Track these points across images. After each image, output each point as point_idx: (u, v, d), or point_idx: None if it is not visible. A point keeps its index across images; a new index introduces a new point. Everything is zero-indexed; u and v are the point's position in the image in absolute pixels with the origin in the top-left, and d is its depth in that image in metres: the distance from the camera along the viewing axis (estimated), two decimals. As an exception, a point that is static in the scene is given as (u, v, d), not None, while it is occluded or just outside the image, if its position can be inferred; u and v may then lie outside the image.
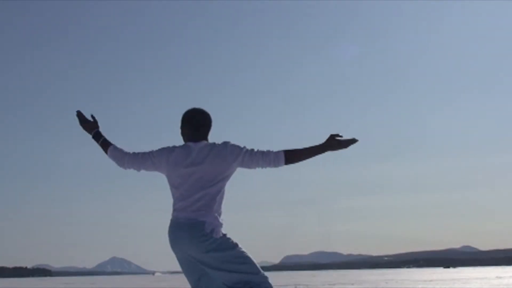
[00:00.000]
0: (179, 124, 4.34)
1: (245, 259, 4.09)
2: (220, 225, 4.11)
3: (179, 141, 4.30)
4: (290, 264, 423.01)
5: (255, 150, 4.17)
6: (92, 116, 4.49)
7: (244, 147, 4.17)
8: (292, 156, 4.15)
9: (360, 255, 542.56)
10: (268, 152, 4.14)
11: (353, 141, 4.19)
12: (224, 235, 4.10)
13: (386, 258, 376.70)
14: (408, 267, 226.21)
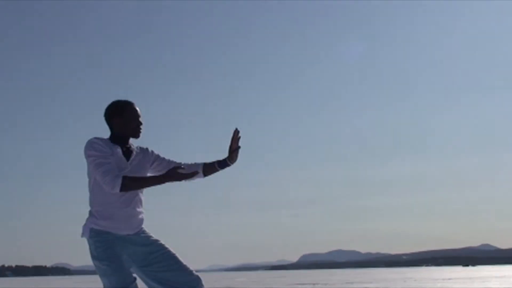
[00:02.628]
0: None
1: None
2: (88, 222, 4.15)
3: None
4: (308, 263, 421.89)
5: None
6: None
7: None
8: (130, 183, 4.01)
9: (378, 253, 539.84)
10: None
11: (234, 139, 4.24)
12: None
13: (404, 257, 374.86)
14: (427, 265, 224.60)
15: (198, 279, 4.14)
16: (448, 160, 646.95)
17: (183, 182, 4.12)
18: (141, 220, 4.23)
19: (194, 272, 4.17)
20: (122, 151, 4.15)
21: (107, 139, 4.18)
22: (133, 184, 4.00)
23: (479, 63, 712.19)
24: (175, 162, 4.33)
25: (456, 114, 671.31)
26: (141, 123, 4.22)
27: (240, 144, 4.28)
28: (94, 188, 4.12)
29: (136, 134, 4.21)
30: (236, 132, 4.24)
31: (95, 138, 4.12)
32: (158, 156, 4.33)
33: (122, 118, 4.16)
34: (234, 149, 4.28)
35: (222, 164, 4.34)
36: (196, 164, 4.36)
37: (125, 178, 3.96)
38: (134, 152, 4.21)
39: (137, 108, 4.23)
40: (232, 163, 4.33)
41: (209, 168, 4.37)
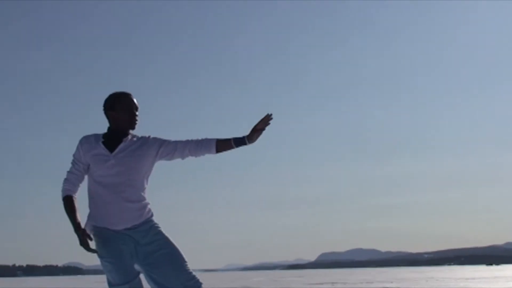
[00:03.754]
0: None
1: None
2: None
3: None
4: (327, 262, 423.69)
5: None
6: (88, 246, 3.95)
7: None
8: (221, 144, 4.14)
9: (399, 252, 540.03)
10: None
11: (264, 121, 4.10)
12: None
13: (426, 255, 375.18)
14: (449, 264, 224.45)
15: (197, 284, 4.00)
16: (473, 157, 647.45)
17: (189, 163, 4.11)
18: (139, 213, 4.08)
19: (194, 275, 4.03)
20: (112, 143, 4.08)
21: (102, 133, 4.16)
22: (64, 207, 4.06)
23: (485, 61, 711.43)
24: (182, 142, 4.18)
25: (475, 110, 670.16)
26: (134, 115, 4.15)
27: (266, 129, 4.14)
28: (88, 186, 4.14)
29: (130, 126, 4.15)
30: (268, 115, 4.08)
31: (84, 137, 4.15)
32: (162, 140, 4.19)
33: (115, 111, 4.14)
34: (258, 129, 4.10)
35: (239, 142, 4.14)
36: (207, 140, 4.17)
37: (65, 197, 4.07)
38: (122, 144, 4.08)
39: (131, 99, 4.17)
40: (251, 142, 4.13)
41: (224, 145, 4.17)
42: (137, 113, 4.17)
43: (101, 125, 4.22)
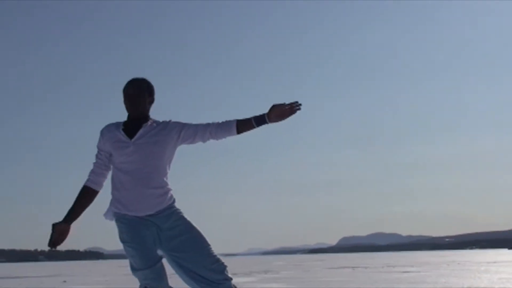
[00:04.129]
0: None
1: None
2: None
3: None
4: (348, 246, 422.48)
5: None
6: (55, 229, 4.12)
7: None
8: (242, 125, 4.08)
9: (420, 236, 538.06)
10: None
11: (291, 111, 4.03)
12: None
13: (447, 239, 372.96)
14: (471, 248, 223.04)
15: (222, 266, 3.98)
16: (493, 140, 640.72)
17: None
18: (161, 199, 4.05)
19: (219, 258, 4.01)
20: (132, 130, 4.08)
21: (123, 121, 4.16)
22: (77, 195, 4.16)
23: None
24: (202, 125, 4.12)
25: (500, 93, 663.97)
26: (130, 99, 4.11)
27: (288, 117, 4.08)
28: (111, 172, 4.14)
29: (129, 111, 4.13)
30: (297, 104, 4.03)
31: (106, 126, 4.17)
32: (183, 124, 4.15)
33: (123, 99, 4.17)
34: (282, 108, 4.02)
35: (259, 121, 4.05)
36: (227, 121, 4.10)
37: (83, 187, 4.14)
38: (142, 130, 4.06)
39: (127, 84, 4.14)
40: (271, 122, 4.05)
41: (244, 125, 4.09)
42: (135, 97, 4.09)
43: (124, 112, 4.20)
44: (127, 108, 4.11)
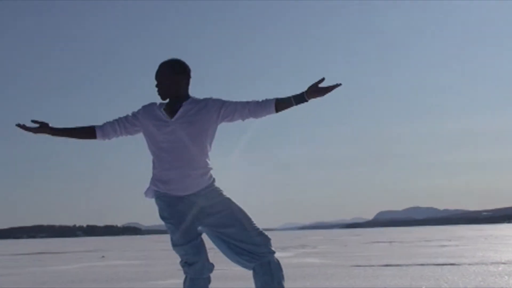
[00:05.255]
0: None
1: None
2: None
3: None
4: (384, 220, 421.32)
5: None
6: (34, 121, 4.18)
7: None
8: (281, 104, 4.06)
9: (457, 210, 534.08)
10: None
11: (332, 87, 4.00)
12: None
13: (484, 213, 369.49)
14: (508, 222, 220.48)
15: (266, 239, 4.00)
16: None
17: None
18: (201, 179, 4.08)
19: (262, 232, 4.05)
20: (173, 109, 4.10)
21: (166, 101, 4.17)
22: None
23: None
24: (242, 102, 4.12)
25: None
26: (157, 83, 4.17)
27: (325, 96, 4.06)
28: (150, 152, 4.17)
29: (161, 97, 4.17)
30: (338, 85, 4.01)
31: (149, 103, 4.20)
32: (223, 102, 4.14)
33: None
34: (322, 87, 3.99)
35: (299, 99, 4.04)
36: (266, 100, 4.09)
37: (91, 126, 4.22)
38: (182, 109, 4.08)
39: (157, 70, 4.18)
40: (309, 98, 4.02)
41: (283, 104, 4.08)
42: (159, 81, 4.15)
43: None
44: (158, 92, 4.15)
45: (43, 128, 4.17)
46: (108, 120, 4.23)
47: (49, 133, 4.19)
